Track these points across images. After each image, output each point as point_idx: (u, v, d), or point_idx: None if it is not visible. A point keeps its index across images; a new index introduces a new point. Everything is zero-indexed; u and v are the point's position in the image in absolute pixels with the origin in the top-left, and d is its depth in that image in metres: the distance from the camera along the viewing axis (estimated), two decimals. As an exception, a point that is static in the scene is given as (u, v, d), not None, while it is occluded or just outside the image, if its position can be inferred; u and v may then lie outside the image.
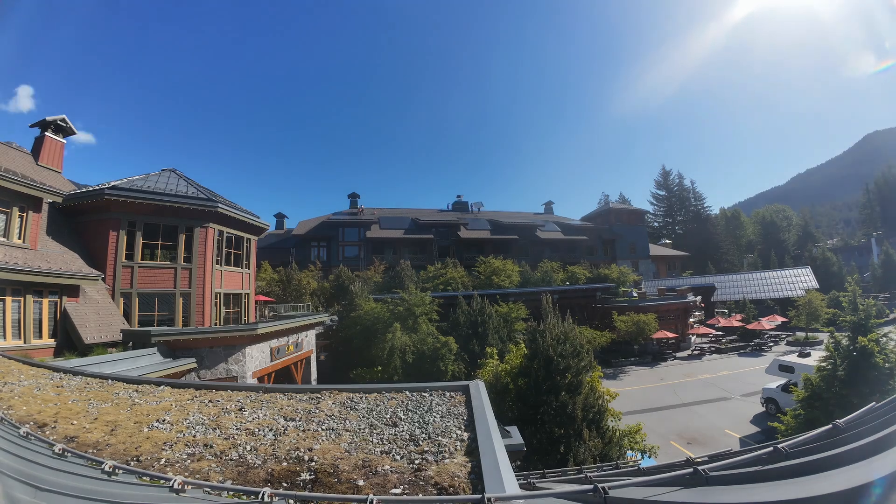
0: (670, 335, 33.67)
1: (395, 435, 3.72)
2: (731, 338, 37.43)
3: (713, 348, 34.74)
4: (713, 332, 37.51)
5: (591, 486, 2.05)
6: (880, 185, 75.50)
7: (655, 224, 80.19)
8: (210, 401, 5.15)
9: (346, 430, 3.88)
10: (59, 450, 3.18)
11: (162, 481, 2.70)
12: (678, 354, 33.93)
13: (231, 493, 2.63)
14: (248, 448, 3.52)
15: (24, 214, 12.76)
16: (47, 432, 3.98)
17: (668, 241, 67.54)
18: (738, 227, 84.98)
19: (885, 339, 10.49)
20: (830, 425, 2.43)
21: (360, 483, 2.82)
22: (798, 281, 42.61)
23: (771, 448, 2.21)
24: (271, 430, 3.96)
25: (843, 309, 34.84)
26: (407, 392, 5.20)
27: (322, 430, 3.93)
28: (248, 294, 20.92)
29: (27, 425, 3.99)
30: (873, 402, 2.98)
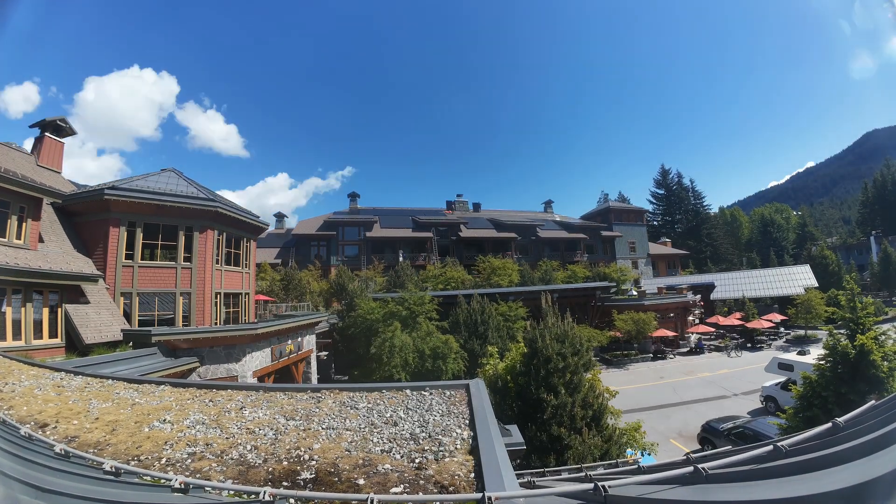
0: (670, 333, 33.73)
1: (396, 434, 3.73)
2: (730, 336, 37.46)
3: (712, 346, 34.85)
4: (713, 330, 37.55)
5: (591, 485, 2.06)
6: (879, 184, 75.55)
7: (655, 223, 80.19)
8: (210, 400, 5.16)
9: (347, 430, 3.89)
10: (61, 450, 3.18)
11: (163, 481, 2.70)
12: (677, 353, 34.02)
13: (232, 492, 2.63)
14: (249, 447, 3.53)
15: (24, 215, 12.75)
16: (48, 432, 3.99)
17: (667, 240, 67.52)
18: (737, 226, 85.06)
19: (883, 337, 10.49)
20: (830, 423, 2.44)
21: (361, 482, 2.82)
22: (797, 279, 42.61)
23: (771, 446, 2.22)
24: (272, 429, 3.97)
25: (841, 307, 34.83)
26: (407, 391, 5.21)
27: (322, 429, 3.94)
28: (248, 294, 20.93)
29: (28, 425, 4.00)
30: (873, 401, 2.99)
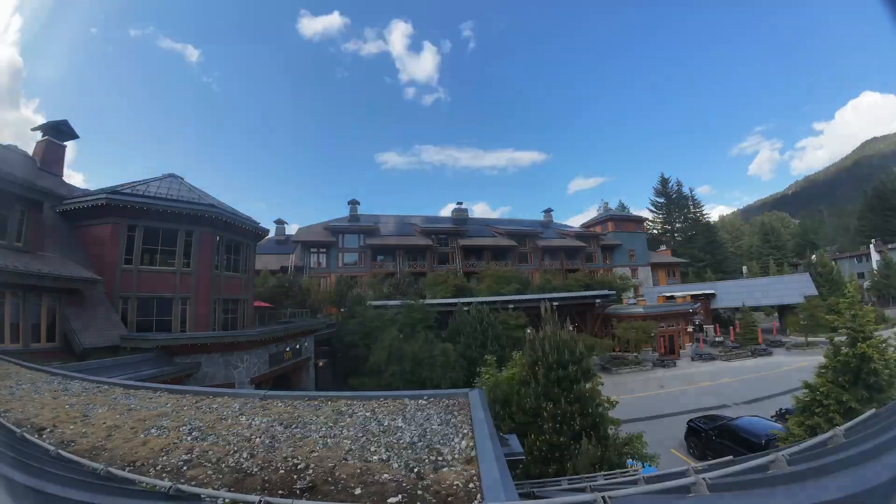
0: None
1: (394, 443, 3.70)
2: (730, 344, 37.33)
3: (712, 355, 34.72)
4: (713, 338, 37.42)
5: (591, 496, 2.03)
6: (878, 192, 75.83)
7: (654, 231, 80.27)
8: (207, 407, 5.12)
9: (344, 438, 3.86)
10: (56, 454, 3.15)
11: (157, 488, 2.68)
12: (678, 362, 33.87)
13: (227, 500, 2.60)
14: (245, 455, 3.50)
15: (24, 218, 12.77)
16: (45, 436, 3.96)
17: (667, 249, 67.58)
18: (737, 234, 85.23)
19: (884, 345, 10.46)
20: (831, 432, 2.43)
21: (358, 491, 2.79)
22: (797, 287, 42.52)
23: (772, 456, 2.20)
24: (269, 436, 3.94)
25: (841, 315, 34.75)
26: (406, 399, 5.17)
27: (319, 437, 3.91)
28: (246, 300, 20.87)
29: (24, 429, 3.97)
30: (874, 409, 2.98)
